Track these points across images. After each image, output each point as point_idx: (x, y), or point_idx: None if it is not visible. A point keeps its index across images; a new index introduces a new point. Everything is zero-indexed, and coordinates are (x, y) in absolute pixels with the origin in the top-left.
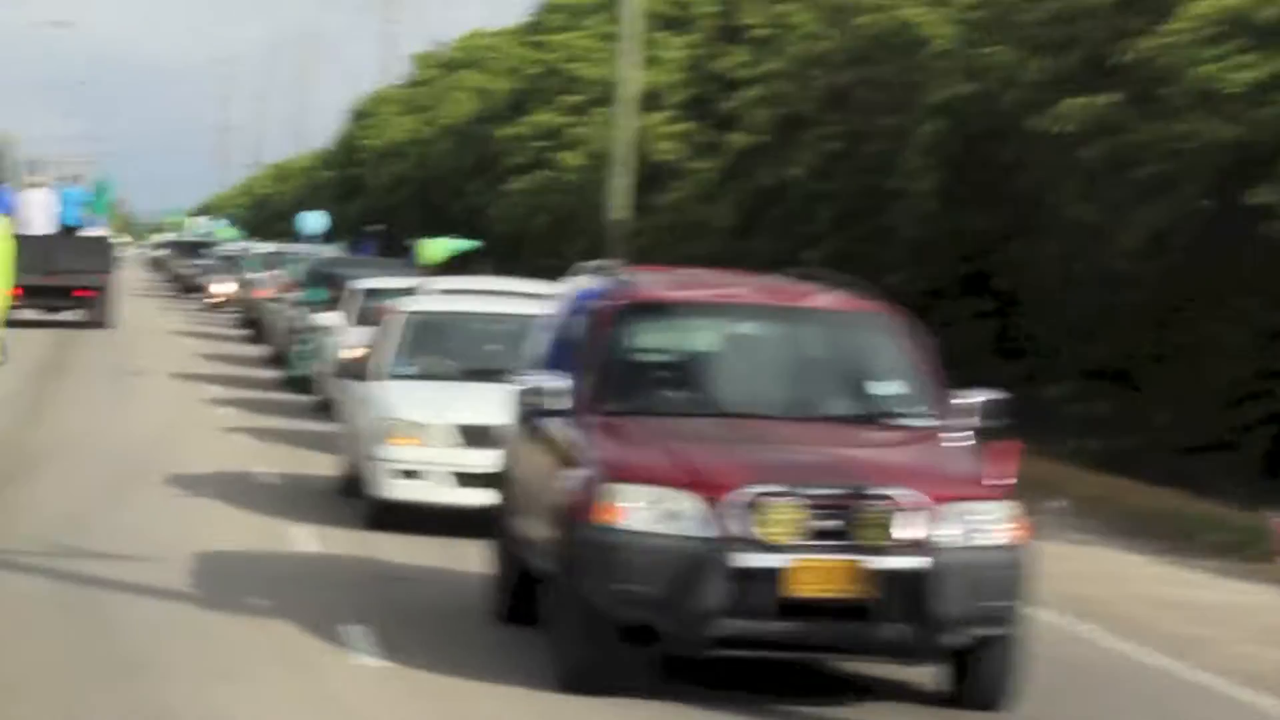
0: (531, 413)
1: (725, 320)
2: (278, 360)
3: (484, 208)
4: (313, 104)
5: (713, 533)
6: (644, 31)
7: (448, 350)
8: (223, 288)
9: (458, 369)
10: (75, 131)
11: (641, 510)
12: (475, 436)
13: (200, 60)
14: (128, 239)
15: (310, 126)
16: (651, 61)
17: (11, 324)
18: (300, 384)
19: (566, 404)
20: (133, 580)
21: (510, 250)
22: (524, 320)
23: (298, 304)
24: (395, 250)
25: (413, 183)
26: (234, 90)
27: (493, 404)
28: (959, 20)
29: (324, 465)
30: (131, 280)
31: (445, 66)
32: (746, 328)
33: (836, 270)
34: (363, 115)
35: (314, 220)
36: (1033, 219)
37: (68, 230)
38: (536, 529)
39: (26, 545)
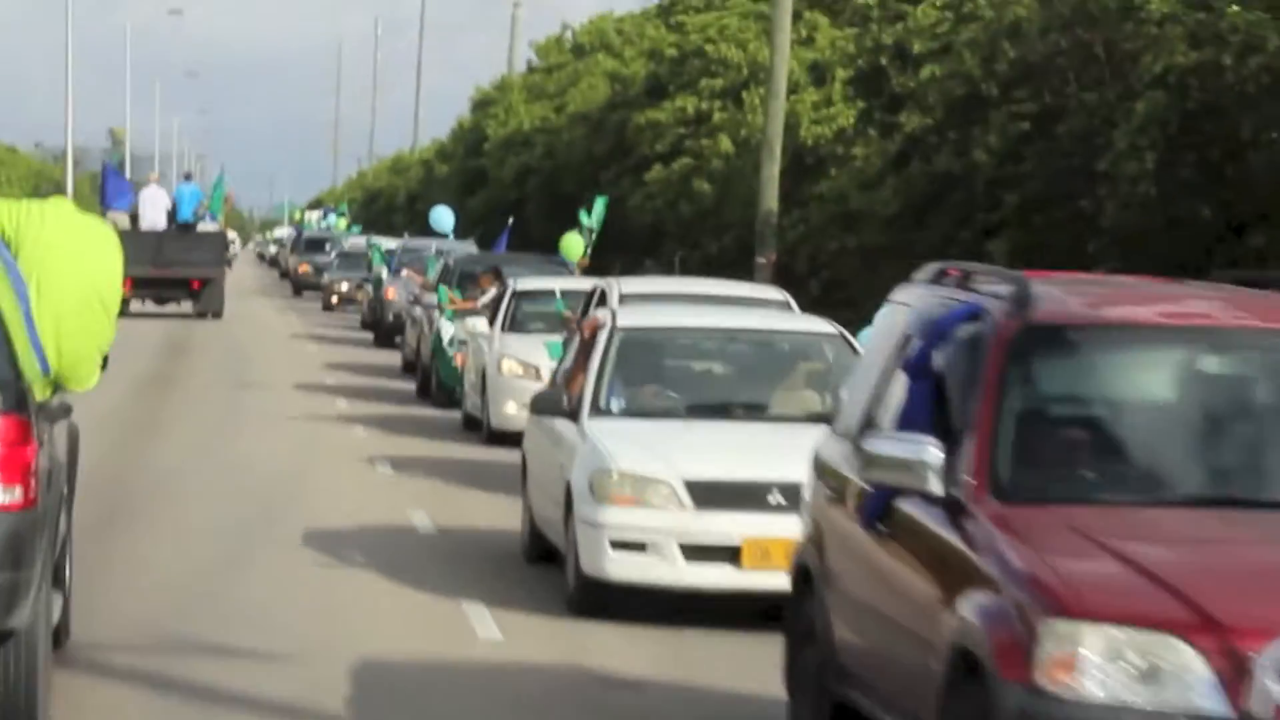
0: (881, 497)
1: (1188, 352)
2: (411, 368)
3: (619, 198)
4: (429, 94)
5: (1228, 711)
6: (796, 8)
7: (668, 378)
8: (345, 286)
9: (683, 403)
10: (184, 125)
11: (1110, 668)
12: (712, 495)
13: (310, 50)
14: (236, 235)
15: (426, 118)
16: (805, 42)
17: (123, 315)
18: (444, 396)
19: (937, 484)
20: (260, 692)
21: (649, 243)
22: (761, 337)
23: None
24: (526, 244)
25: (541, 173)
26: (345, 81)
27: (730, 450)
28: None
29: (493, 511)
30: (245, 278)
31: (573, 52)
32: (1222, 364)
33: (1025, 263)
34: (485, 104)
35: (448, 215)
36: (1271, 208)
37: (182, 226)
38: (897, 676)
39: (122, 634)
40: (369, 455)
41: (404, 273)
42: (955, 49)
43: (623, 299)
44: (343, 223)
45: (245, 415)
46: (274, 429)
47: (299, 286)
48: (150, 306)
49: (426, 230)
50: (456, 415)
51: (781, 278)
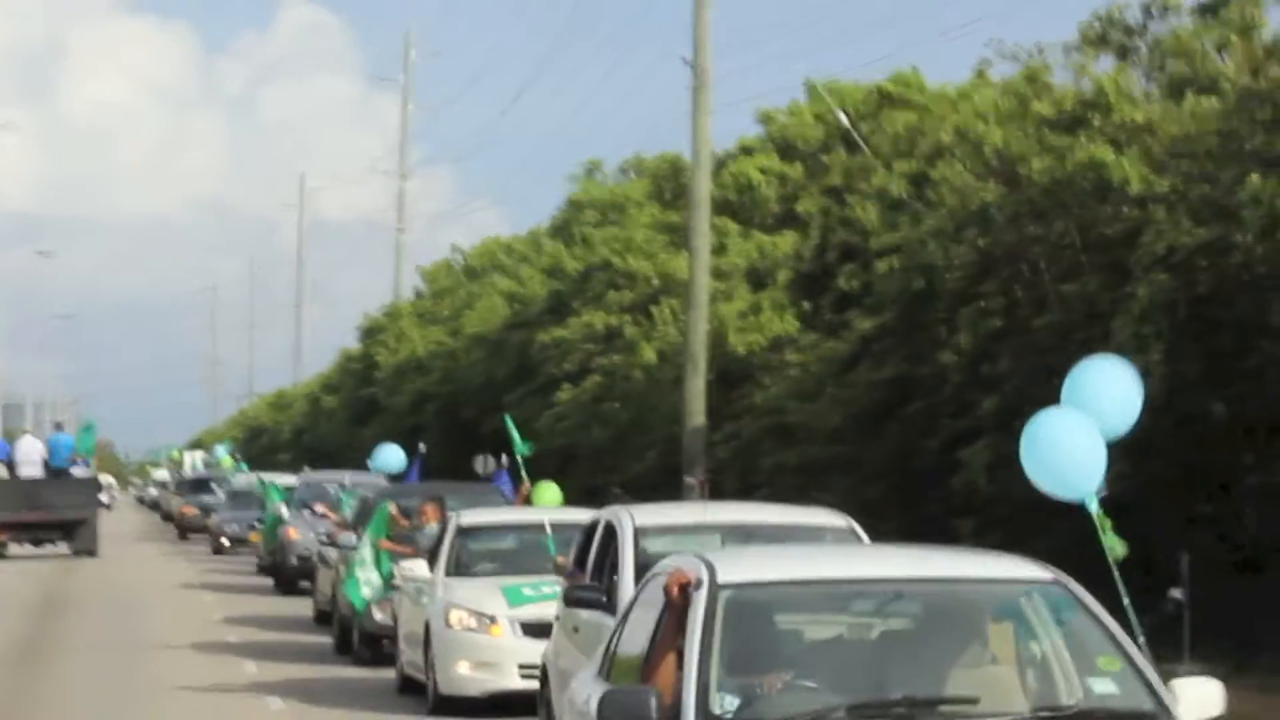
0: None
1: None
2: (325, 619)
3: (525, 422)
4: (309, 329)
5: None
6: (711, 217)
7: (804, 658)
8: (235, 528)
9: (839, 703)
10: (57, 369)
11: None
12: None
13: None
14: (114, 480)
15: (309, 352)
16: (717, 250)
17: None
18: (369, 652)
19: None
20: None
21: (562, 467)
22: (944, 591)
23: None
24: (425, 474)
25: (438, 399)
26: (221, 322)
27: None
28: (1163, 157)
29: None
30: (125, 523)
31: (465, 274)
32: None
33: (1008, 471)
34: (374, 331)
35: (393, 456)
36: None
37: (55, 472)
38: None
39: None
40: None
41: (309, 511)
42: (912, 241)
43: (641, 534)
44: (228, 460)
45: (135, 688)
46: (172, 706)
47: (184, 529)
48: (28, 550)
49: (315, 466)
50: (388, 675)
51: (713, 499)
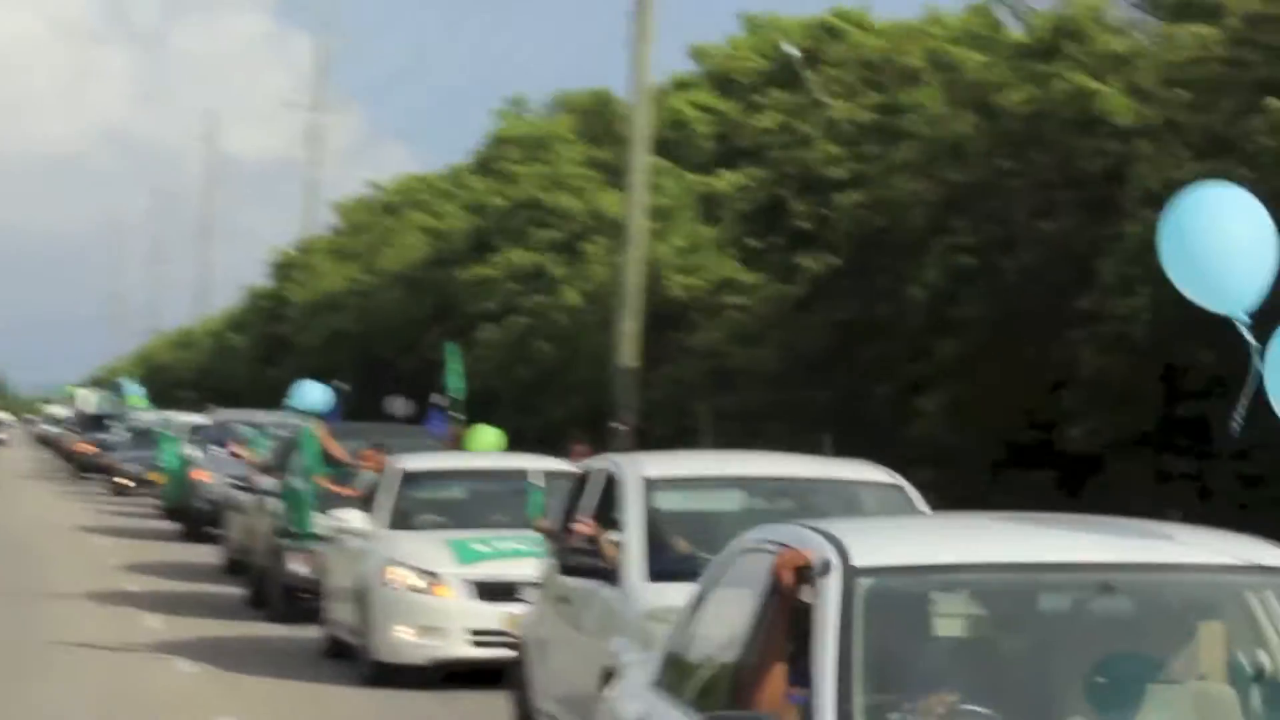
0: None
1: None
2: (237, 569)
3: (443, 362)
4: (216, 265)
5: None
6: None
7: (974, 670)
8: (136, 468)
9: None
10: None
11: None
12: None
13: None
14: (9, 415)
15: (215, 289)
16: (653, 188)
17: None
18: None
19: None
20: None
21: (482, 410)
22: (1159, 578)
23: (293, 493)
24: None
25: (353, 337)
26: (124, 258)
27: None
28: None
29: None
30: (19, 460)
31: (384, 210)
32: None
33: (967, 419)
34: (286, 267)
35: (316, 393)
36: None
37: None
38: None
39: None
40: (206, 713)
41: (219, 451)
42: (873, 176)
43: (651, 487)
44: (136, 398)
45: (24, 644)
46: (68, 668)
47: (82, 468)
48: None
49: (221, 404)
50: (310, 634)
51: (641, 444)
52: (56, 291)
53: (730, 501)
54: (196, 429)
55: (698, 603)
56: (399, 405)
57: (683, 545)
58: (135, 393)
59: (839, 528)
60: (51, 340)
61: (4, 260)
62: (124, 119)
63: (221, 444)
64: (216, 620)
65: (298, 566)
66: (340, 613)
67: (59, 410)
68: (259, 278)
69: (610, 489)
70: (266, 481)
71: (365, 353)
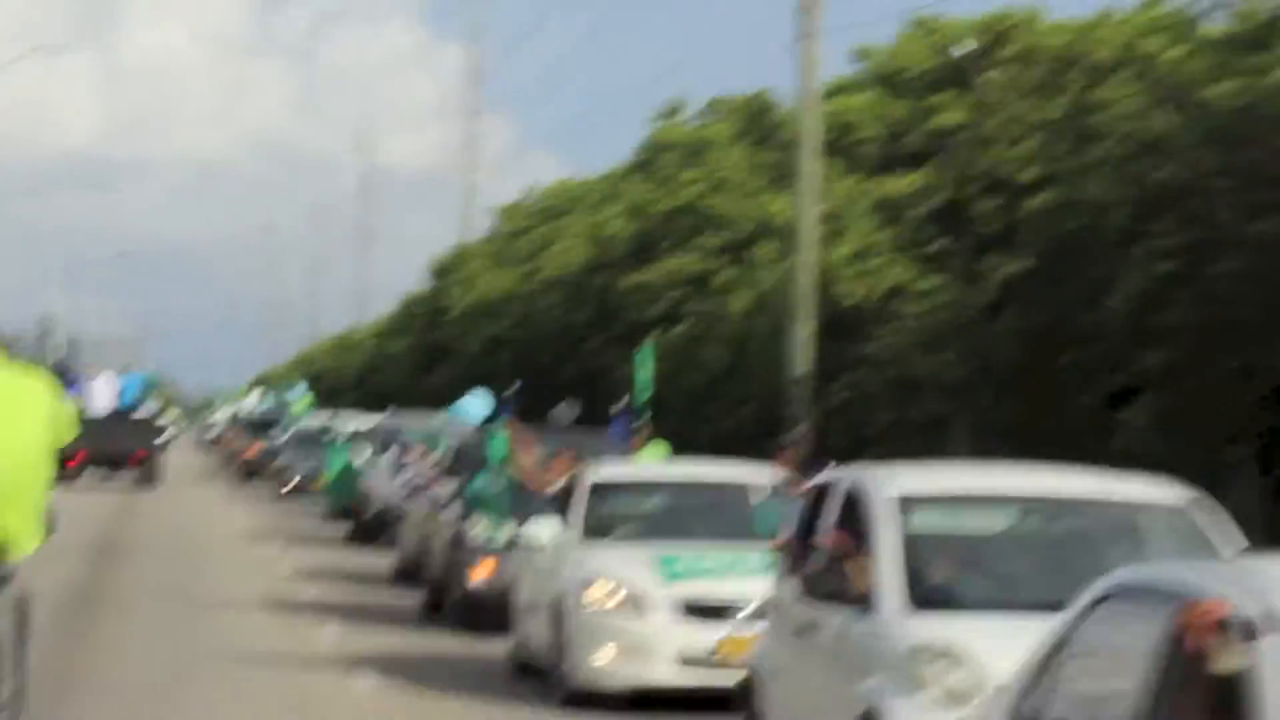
0: None
1: None
2: (408, 577)
3: (605, 370)
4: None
5: None
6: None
7: None
8: (301, 472)
9: None
10: (117, 308)
11: None
12: None
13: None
14: (174, 419)
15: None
16: (824, 192)
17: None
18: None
19: None
20: None
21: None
22: None
23: (473, 503)
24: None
25: (513, 344)
26: (285, 263)
27: None
28: None
29: None
30: (187, 464)
31: (541, 215)
32: None
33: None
34: (445, 272)
35: (480, 405)
36: None
37: (122, 411)
38: None
39: None
40: None
41: (394, 456)
42: (1066, 175)
43: (906, 506)
44: (306, 400)
45: (198, 658)
46: (243, 683)
47: (247, 472)
48: (97, 481)
49: (381, 409)
50: (492, 649)
51: (816, 456)
52: (216, 298)
53: (1001, 521)
54: (363, 433)
55: (1041, 666)
56: (564, 413)
57: (945, 569)
58: (300, 396)
59: (1246, 570)
60: (213, 345)
61: (165, 267)
62: (278, 128)
63: (390, 448)
64: (394, 631)
65: (478, 576)
66: (531, 630)
67: (223, 414)
68: (415, 284)
69: (855, 505)
70: (443, 487)
71: (525, 359)
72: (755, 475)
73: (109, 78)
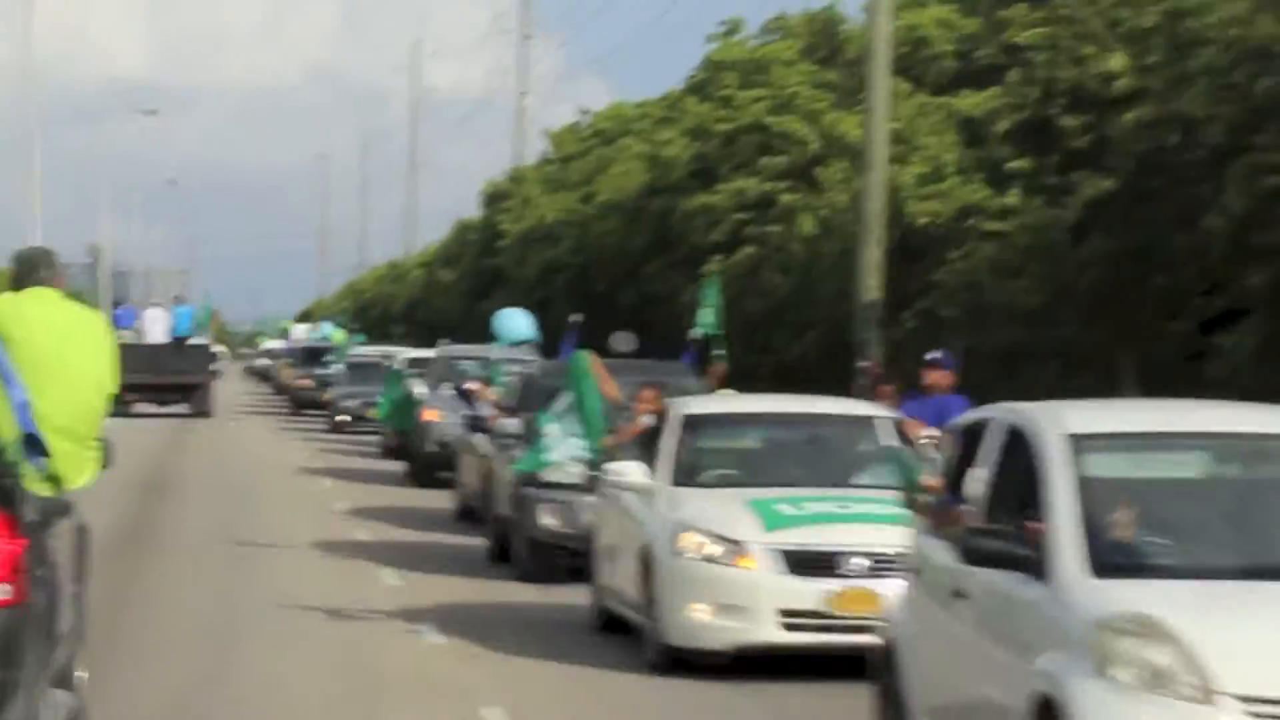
0: None
1: None
2: (470, 516)
3: (666, 296)
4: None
5: None
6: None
7: None
8: (354, 404)
9: None
10: (165, 236)
11: None
12: None
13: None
14: (224, 349)
15: (423, 223)
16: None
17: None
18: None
19: None
20: None
21: (703, 347)
22: None
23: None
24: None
25: (569, 269)
26: (331, 192)
27: None
28: None
29: None
30: (236, 394)
31: (596, 137)
32: None
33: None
34: (498, 198)
35: (520, 322)
36: None
37: (177, 341)
38: None
39: None
40: (469, 701)
41: (453, 389)
42: (1156, 90)
43: (1079, 447)
44: (339, 335)
45: (252, 607)
46: (301, 634)
47: (298, 404)
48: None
49: (431, 339)
50: (566, 599)
51: (880, 386)
52: (264, 226)
53: (1187, 467)
54: (416, 362)
55: None
56: (624, 340)
57: (1127, 525)
58: (333, 331)
59: None
60: (261, 275)
61: (212, 195)
62: (328, 55)
63: (448, 381)
64: (457, 577)
65: (549, 519)
66: (615, 581)
67: (272, 344)
68: (467, 211)
69: (1017, 448)
70: (509, 422)
71: (582, 286)
72: (871, 410)
73: (157, 3)
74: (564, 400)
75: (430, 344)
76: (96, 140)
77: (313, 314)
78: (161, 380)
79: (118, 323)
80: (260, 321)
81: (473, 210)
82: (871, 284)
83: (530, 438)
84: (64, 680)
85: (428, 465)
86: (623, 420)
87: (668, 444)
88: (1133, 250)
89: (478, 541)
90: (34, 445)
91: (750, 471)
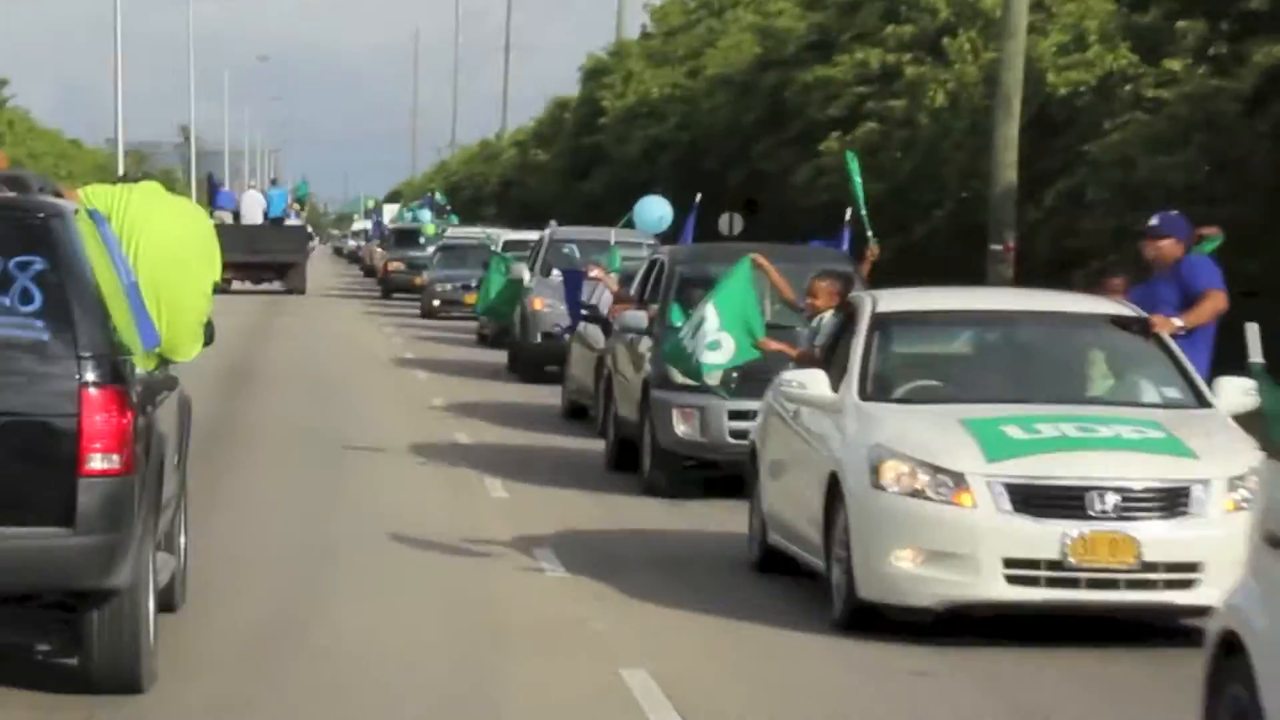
0: None
1: None
2: (579, 413)
3: (778, 174)
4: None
5: None
6: None
7: None
8: (449, 288)
9: None
10: (255, 115)
11: None
12: None
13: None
14: (316, 229)
15: (516, 102)
16: None
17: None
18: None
19: None
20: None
21: (822, 229)
22: None
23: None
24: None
25: (675, 147)
26: (422, 70)
27: None
28: None
29: None
30: (325, 276)
31: (704, 9)
32: None
33: None
34: (599, 73)
35: (663, 211)
36: None
37: (273, 221)
38: None
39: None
40: (598, 647)
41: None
42: None
43: None
44: (430, 227)
45: (346, 529)
46: (403, 564)
47: (389, 288)
48: (251, 286)
49: (524, 221)
50: (702, 524)
51: (1023, 271)
52: (355, 107)
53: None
54: (514, 244)
55: None
56: (732, 222)
57: None
58: (426, 222)
59: None
60: (350, 155)
61: (302, 77)
62: None
63: (557, 267)
64: (574, 490)
65: (684, 426)
66: (785, 514)
67: (363, 225)
68: (562, 90)
69: None
70: (633, 315)
71: (689, 164)
72: (1111, 308)
73: None
74: (716, 297)
75: (523, 225)
76: (185, 19)
77: (402, 194)
78: (258, 259)
79: (219, 204)
80: (350, 203)
81: (573, 92)
82: (1006, 160)
83: (662, 333)
84: (168, 544)
85: (533, 358)
86: (800, 324)
87: (857, 348)
88: None
89: (593, 445)
90: (145, 325)
91: (960, 384)
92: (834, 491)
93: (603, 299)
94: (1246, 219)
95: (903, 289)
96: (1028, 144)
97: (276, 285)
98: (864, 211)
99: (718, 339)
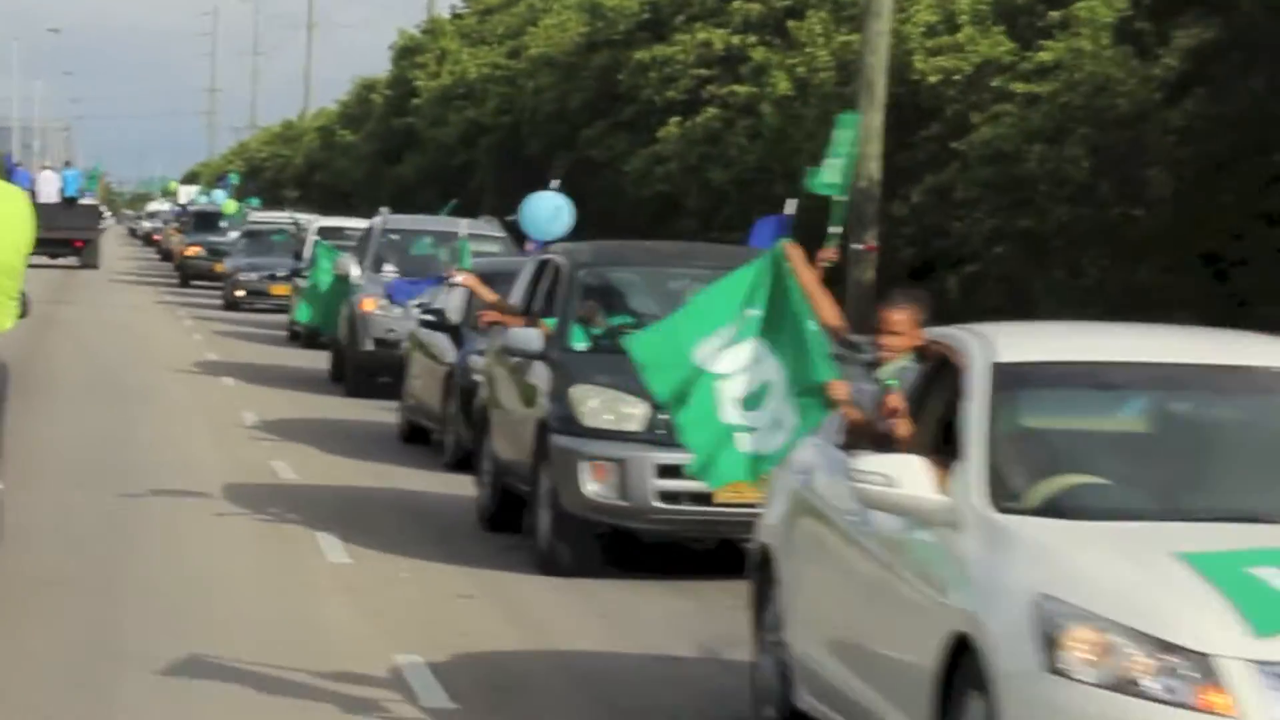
0: None
1: None
2: (418, 437)
3: (606, 163)
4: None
5: None
6: None
7: None
8: (253, 277)
9: None
10: (44, 92)
11: None
12: None
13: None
14: (108, 209)
15: (320, 82)
16: None
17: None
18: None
19: None
20: None
21: (657, 222)
22: None
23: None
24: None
25: (495, 131)
26: (221, 48)
27: None
28: None
29: None
30: (119, 258)
31: None
32: None
33: None
34: (411, 51)
35: (552, 205)
36: None
37: (67, 200)
38: None
39: None
40: None
41: (389, 269)
42: None
43: None
44: (231, 205)
45: (128, 632)
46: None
47: (187, 274)
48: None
49: (330, 206)
50: (653, 619)
51: (885, 273)
52: (150, 84)
53: None
54: (330, 231)
55: None
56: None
57: None
58: (225, 201)
59: None
60: (146, 134)
61: (98, 55)
62: None
63: (388, 262)
64: (444, 564)
65: (594, 485)
66: (848, 686)
67: (158, 206)
68: (366, 71)
69: None
70: (524, 334)
71: (510, 150)
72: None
73: None
74: (769, 336)
75: (332, 210)
76: None
77: (200, 176)
78: (53, 235)
79: (14, 184)
80: (145, 182)
81: (383, 71)
82: (870, 152)
83: (560, 357)
84: None
85: (363, 368)
86: (856, 368)
87: (973, 422)
88: (1249, 115)
89: (444, 483)
90: None
91: (1152, 486)
92: (965, 669)
93: (450, 303)
94: (1168, 223)
95: (1015, 323)
96: (890, 136)
97: (72, 261)
98: (842, 198)
99: (777, 413)
